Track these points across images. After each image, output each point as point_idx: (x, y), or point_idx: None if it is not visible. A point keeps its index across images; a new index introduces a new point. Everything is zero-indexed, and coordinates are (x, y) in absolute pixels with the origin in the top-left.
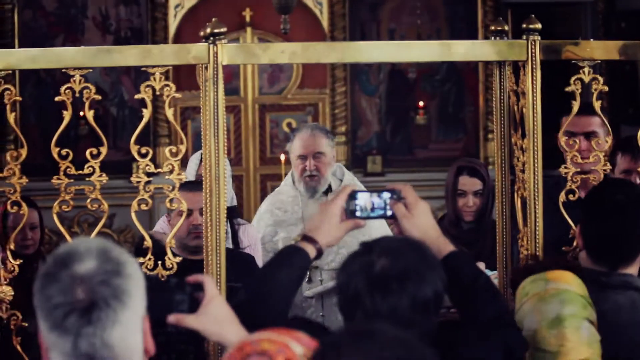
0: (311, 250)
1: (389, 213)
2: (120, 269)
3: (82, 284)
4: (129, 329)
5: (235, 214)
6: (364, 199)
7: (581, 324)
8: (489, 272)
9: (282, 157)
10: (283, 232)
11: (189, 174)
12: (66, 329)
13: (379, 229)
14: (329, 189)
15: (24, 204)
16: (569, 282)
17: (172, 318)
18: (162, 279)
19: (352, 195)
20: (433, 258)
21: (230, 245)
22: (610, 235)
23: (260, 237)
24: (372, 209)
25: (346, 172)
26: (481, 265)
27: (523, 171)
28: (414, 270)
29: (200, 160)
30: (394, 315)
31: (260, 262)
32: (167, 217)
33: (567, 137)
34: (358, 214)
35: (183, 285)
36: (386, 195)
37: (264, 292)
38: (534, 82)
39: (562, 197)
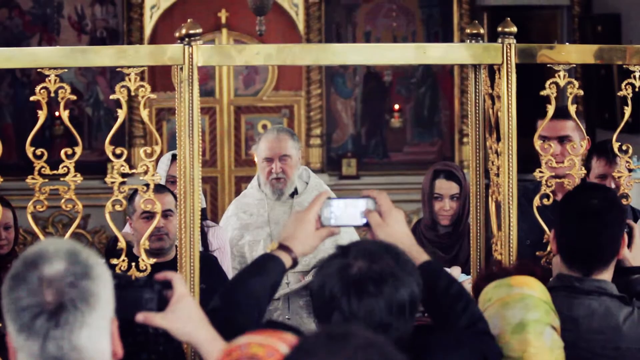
0: (286, 259)
1: (364, 221)
2: (89, 271)
3: (51, 286)
4: (97, 331)
5: (203, 216)
6: (339, 207)
7: (544, 330)
8: (464, 277)
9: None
10: (249, 235)
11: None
12: (34, 331)
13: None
14: (295, 192)
15: None
16: (532, 288)
17: (140, 316)
18: (131, 277)
19: (327, 203)
20: (409, 262)
21: (200, 248)
22: (584, 240)
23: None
24: (347, 217)
25: (312, 175)
26: (456, 270)
27: (498, 175)
28: (391, 273)
29: (172, 161)
30: (370, 318)
31: (229, 265)
32: (128, 219)
33: (542, 141)
34: (333, 222)
35: (152, 283)
36: (361, 202)
37: (238, 300)
38: (509, 85)
39: (536, 201)
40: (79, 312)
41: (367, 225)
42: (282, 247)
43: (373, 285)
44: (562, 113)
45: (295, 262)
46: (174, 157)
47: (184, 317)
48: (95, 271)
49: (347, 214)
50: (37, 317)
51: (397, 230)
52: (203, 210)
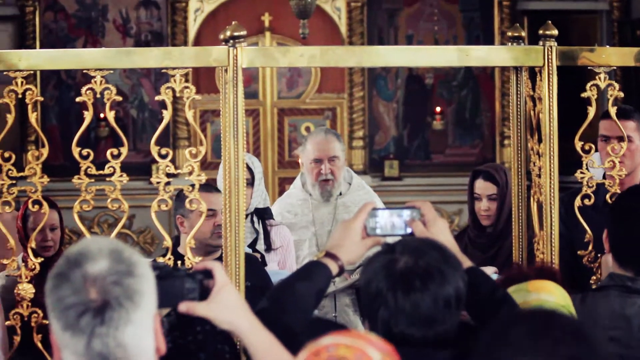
0: (333, 267)
1: (409, 231)
2: (132, 269)
3: (95, 284)
4: (142, 328)
5: (268, 215)
6: (384, 217)
7: None
8: (496, 277)
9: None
10: (294, 235)
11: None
12: (79, 329)
13: None
14: (339, 193)
15: (45, 203)
16: (551, 293)
17: (182, 306)
18: (171, 268)
19: (373, 213)
20: (454, 258)
21: (263, 246)
22: (636, 240)
23: None
24: (392, 227)
25: (354, 176)
26: (490, 270)
27: (539, 176)
28: (436, 269)
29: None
30: (416, 313)
31: (292, 263)
32: (177, 219)
33: (602, 141)
34: (378, 231)
35: (193, 273)
36: (406, 212)
37: (285, 302)
38: (551, 87)
39: (577, 201)
40: (123, 309)
41: (411, 234)
42: (329, 254)
43: (419, 280)
44: (624, 113)
45: (341, 270)
46: None
47: (226, 305)
48: (139, 269)
49: (392, 224)
50: (82, 315)
51: (441, 240)
52: (268, 209)
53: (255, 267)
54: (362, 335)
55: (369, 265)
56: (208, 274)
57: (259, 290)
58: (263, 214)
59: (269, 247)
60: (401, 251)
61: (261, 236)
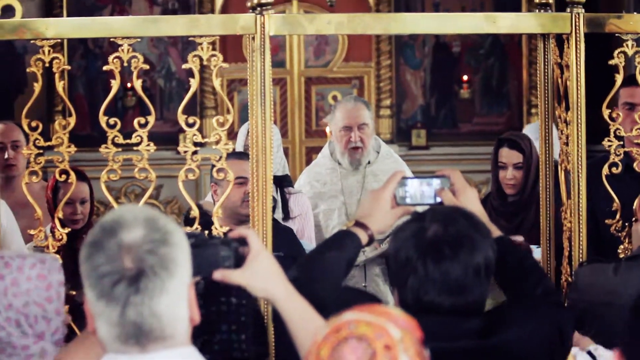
0: (363, 236)
1: (438, 200)
2: (167, 238)
3: (130, 253)
4: (176, 297)
5: (286, 183)
6: (413, 186)
7: None
8: (532, 247)
9: (328, 129)
10: (323, 204)
11: (238, 146)
12: (114, 298)
13: None
14: (367, 161)
15: (72, 174)
16: None
17: (217, 274)
18: (206, 236)
19: (402, 182)
20: (484, 226)
21: (281, 215)
22: None
23: None
24: (422, 196)
25: (382, 144)
26: (519, 239)
27: (567, 144)
28: (466, 236)
29: (248, 131)
30: (446, 281)
31: (311, 232)
32: (212, 187)
33: (626, 109)
34: (408, 200)
35: (228, 241)
36: (435, 181)
37: (315, 272)
38: (578, 54)
39: (605, 170)
40: (158, 278)
41: (440, 204)
42: (359, 224)
43: (449, 248)
44: None
45: (371, 239)
46: None
47: (262, 273)
48: (174, 237)
49: (422, 193)
50: (117, 284)
51: (470, 209)
52: (286, 177)
53: (289, 237)
54: (385, 311)
55: (398, 233)
56: (243, 241)
57: (292, 261)
58: (281, 182)
59: (287, 216)
60: (431, 219)
61: (279, 204)
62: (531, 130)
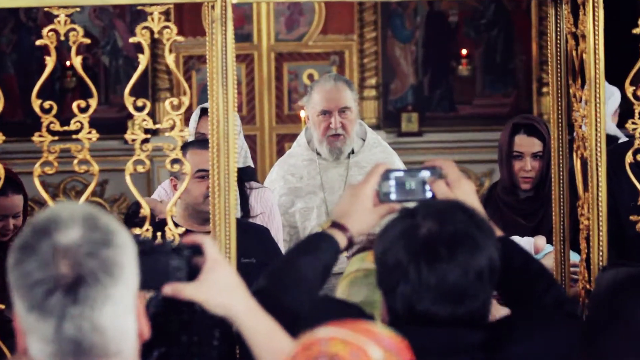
0: (341, 239)
1: (429, 194)
2: (110, 238)
3: (66, 257)
4: (122, 308)
5: (247, 176)
6: (399, 179)
7: None
8: (550, 248)
9: (303, 113)
10: (300, 202)
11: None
12: (48, 310)
13: None
14: (351, 151)
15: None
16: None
17: (168, 288)
18: (155, 243)
19: (386, 176)
20: (486, 223)
21: (239, 214)
22: None
23: None
24: (410, 191)
25: (369, 131)
26: (541, 240)
27: (583, 127)
28: (466, 235)
29: (200, 116)
30: (443, 287)
31: (279, 232)
32: (171, 181)
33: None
34: (393, 196)
35: (180, 249)
36: (425, 173)
37: (286, 282)
38: (596, 22)
39: (629, 157)
40: (100, 285)
41: (432, 198)
42: (336, 225)
43: (445, 248)
44: None
45: (350, 243)
46: (203, 111)
47: (219, 286)
48: (117, 238)
49: (410, 187)
50: (51, 293)
51: (467, 203)
52: (248, 169)
53: (263, 239)
54: (368, 329)
55: (386, 232)
56: (197, 249)
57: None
58: (241, 175)
59: (246, 214)
60: (423, 215)
61: (238, 202)
62: None
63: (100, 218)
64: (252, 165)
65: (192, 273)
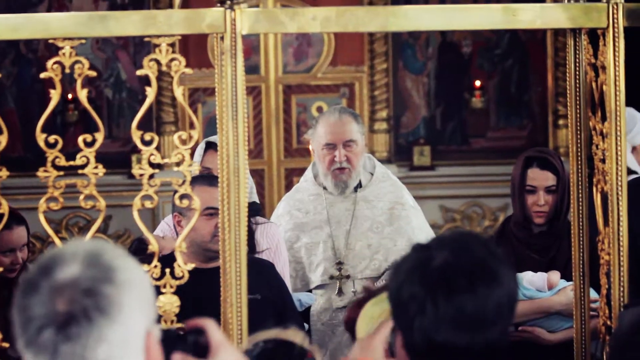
0: None
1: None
2: (110, 275)
3: (63, 293)
4: (120, 348)
5: (253, 212)
6: None
7: None
8: (565, 283)
9: (312, 147)
10: (306, 237)
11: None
12: (42, 346)
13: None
14: (358, 185)
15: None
16: None
17: None
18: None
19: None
20: (500, 251)
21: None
22: None
23: None
24: None
25: (377, 164)
26: (555, 275)
27: (604, 161)
28: (485, 265)
29: (205, 150)
30: (460, 319)
31: (283, 269)
32: (174, 217)
33: None
34: None
35: (183, 335)
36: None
37: None
38: (617, 53)
39: None
40: (92, 325)
41: None
42: None
43: (464, 278)
44: None
45: None
46: (208, 145)
47: None
48: (120, 275)
49: None
50: (43, 329)
51: None
52: (254, 205)
53: (268, 275)
54: None
55: (399, 267)
56: (200, 331)
57: (272, 304)
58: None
59: (252, 250)
60: (437, 247)
61: None
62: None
63: (105, 254)
64: (258, 201)
65: (200, 353)
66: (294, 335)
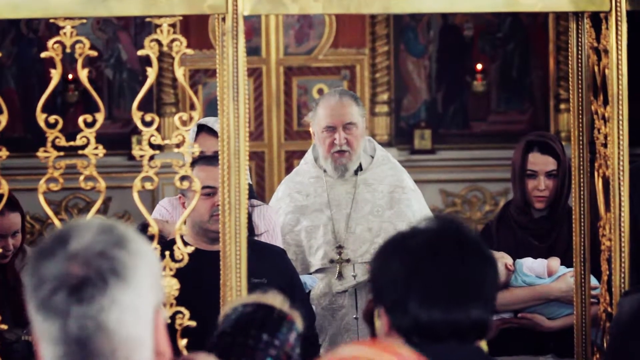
0: None
1: None
2: (124, 243)
3: (77, 258)
4: (132, 314)
5: (249, 194)
6: None
7: None
8: (564, 270)
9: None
10: (306, 220)
11: None
12: (53, 309)
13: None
14: (359, 167)
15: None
16: None
17: None
18: None
19: None
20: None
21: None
22: None
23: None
24: None
25: (378, 147)
26: (555, 262)
27: (605, 145)
28: (467, 240)
29: (197, 133)
30: (441, 294)
31: None
32: (179, 199)
33: None
34: None
35: None
36: None
37: None
38: (619, 36)
39: None
40: (107, 286)
41: None
42: None
43: (452, 245)
44: None
45: None
46: (200, 127)
47: None
48: (133, 245)
49: None
50: (56, 292)
51: None
52: (249, 187)
53: (277, 260)
54: (388, 347)
55: (381, 250)
56: None
57: (279, 290)
58: None
59: (251, 232)
60: (418, 228)
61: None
62: None
63: (118, 227)
64: (250, 182)
65: None
66: (273, 298)
